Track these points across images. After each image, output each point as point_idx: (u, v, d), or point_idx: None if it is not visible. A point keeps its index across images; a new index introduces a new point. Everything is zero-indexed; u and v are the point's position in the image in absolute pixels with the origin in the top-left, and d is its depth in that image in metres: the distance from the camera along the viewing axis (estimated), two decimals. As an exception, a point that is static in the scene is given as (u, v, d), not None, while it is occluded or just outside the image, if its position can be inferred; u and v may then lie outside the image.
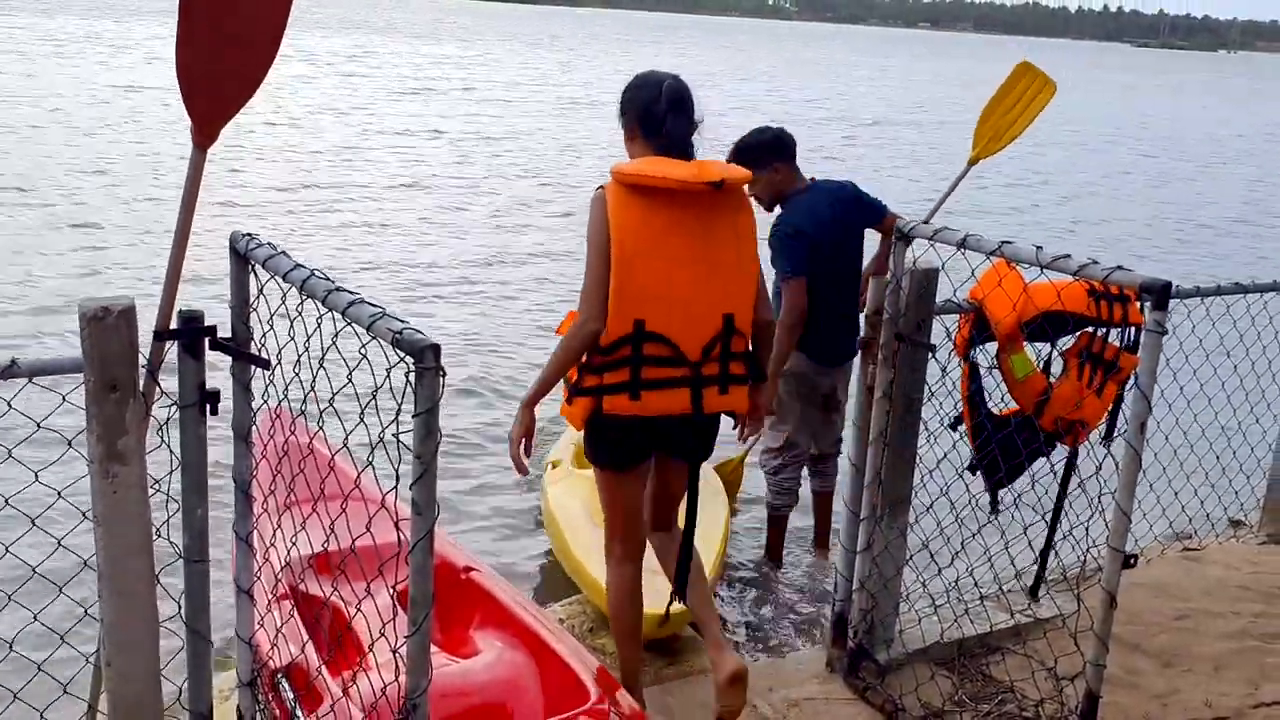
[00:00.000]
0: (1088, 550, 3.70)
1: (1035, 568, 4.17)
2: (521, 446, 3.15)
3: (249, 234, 2.47)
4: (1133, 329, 3.77)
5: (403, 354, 1.93)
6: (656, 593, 4.08)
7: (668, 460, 3.36)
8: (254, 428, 2.65)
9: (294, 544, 2.84)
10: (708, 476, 5.09)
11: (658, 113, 3.16)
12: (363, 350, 2.05)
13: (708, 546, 4.44)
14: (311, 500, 2.70)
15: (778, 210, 4.72)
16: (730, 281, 3.11)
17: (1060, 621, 3.67)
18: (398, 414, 2.07)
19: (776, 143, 4.70)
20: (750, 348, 3.21)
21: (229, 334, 2.54)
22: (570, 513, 4.71)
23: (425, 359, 1.89)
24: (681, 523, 3.48)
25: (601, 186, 3.12)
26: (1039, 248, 3.06)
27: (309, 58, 34.85)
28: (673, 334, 3.06)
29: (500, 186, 15.60)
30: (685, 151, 3.18)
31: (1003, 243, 3.14)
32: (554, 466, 5.24)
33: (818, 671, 3.86)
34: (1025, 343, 3.68)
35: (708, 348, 3.09)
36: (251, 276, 2.52)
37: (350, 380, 2.15)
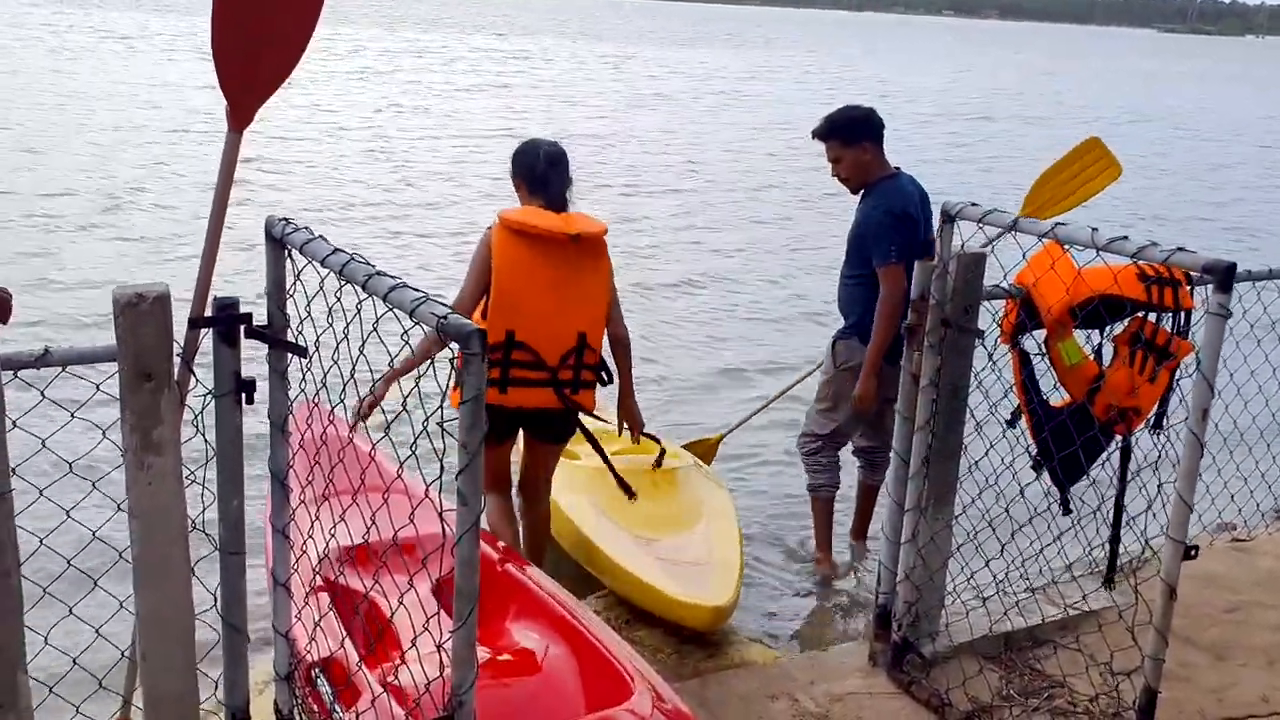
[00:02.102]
0: (1146, 542, 3.59)
1: (1081, 558, 4.08)
2: (363, 408, 3.59)
3: (285, 218, 2.41)
4: (1184, 314, 3.66)
5: (447, 340, 1.87)
6: (701, 584, 4.03)
7: (537, 443, 4.13)
8: (290, 418, 2.59)
9: (332, 536, 2.79)
10: (703, 469, 5.03)
11: (539, 172, 3.94)
12: (404, 337, 1.99)
13: (726, 544, 4.36)
14: (350, 492, 2.64)
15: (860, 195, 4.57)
16: (584, 307, 3.87)
17: (1116, 614, 3.56)
18: (442, 402, 2.02)
19: (867, 122, 4.55)
20: (599, 360, 3.95)
21: (265, 321, 2.48)
22: (580, 509, 4.54)
23: (471, 345, 1.83)
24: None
25: (489, 227, 3.85)
26: (1094, 229, 2.96)
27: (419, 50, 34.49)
28: (536, 344, 3.81)
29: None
30: (562, 204, 3.94)
31: (1056, 224, 3.04)
32: None
33: (860, 665, 3.78)
34: (1074, 329, 3.58)
35: (564, 357, 3.85)
36: (289, 263, 2.46)
37: (391, 368, 2.09)
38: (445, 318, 1.87)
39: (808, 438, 4.86)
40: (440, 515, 2.05)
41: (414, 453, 2.08)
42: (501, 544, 3.87)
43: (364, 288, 2.10)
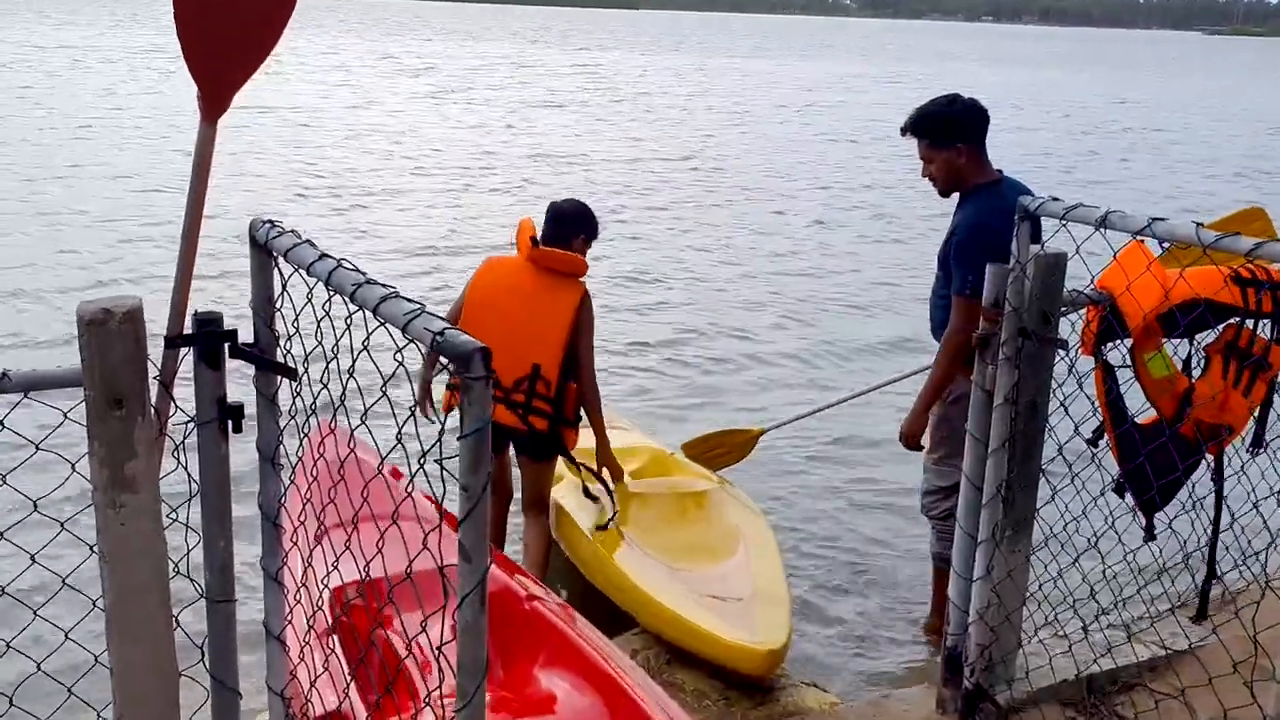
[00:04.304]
0: (1266, 581, 3.19)
1: (1177, 591, 3.69)
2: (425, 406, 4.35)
3: (269, 220, 2.10)
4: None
5: (445, 361, 1.55)
6: (749, 622, 3.71)
7: (518, 458, 4.45)
8: (289, 444, 2.29)
9: (331, 576, 2.47)
10: (732, 491, 4.71)
11: (545, 223, 4.45)
12: (398, 356, 1.67)
13: (770, 577, 4.03)
14: (363, 525, 2.33)
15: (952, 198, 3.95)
16: (538, 342, 4.21)
17: (1225, 657, 3.16)
18: (441, 435, 1.70)
19: (966, 118, 3.86)
20: (553, 395, 4.21)
21: (251, 339, 2.19)
22: (606, 537, 4.20)
23: (473, 366, 1.50)
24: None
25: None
26: (1199, 225, 2.59)
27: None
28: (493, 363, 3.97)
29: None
30: (556, 245, 4.34)
31: (1153, 219, 2.68)
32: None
33: (927, 713, 3.42)
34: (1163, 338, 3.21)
35: (518, 382, 4.18)
36: (276, 274, 2.16)
37: (384, 393, 1.77)
38: (441, 333, 1.55)
39: (934, 496, 4.09)
40: (441, 571, 1.72)
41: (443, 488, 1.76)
42: (531, 579, 3.55)
43: (352, 298, 1.79)
